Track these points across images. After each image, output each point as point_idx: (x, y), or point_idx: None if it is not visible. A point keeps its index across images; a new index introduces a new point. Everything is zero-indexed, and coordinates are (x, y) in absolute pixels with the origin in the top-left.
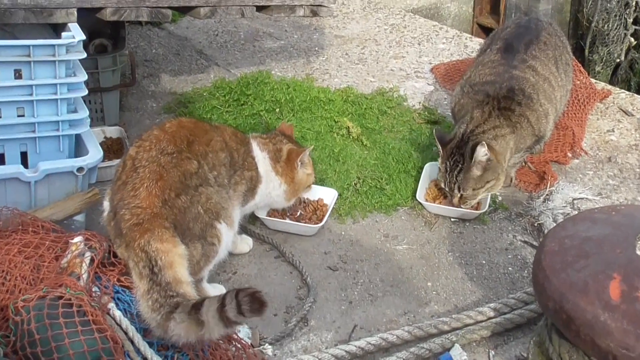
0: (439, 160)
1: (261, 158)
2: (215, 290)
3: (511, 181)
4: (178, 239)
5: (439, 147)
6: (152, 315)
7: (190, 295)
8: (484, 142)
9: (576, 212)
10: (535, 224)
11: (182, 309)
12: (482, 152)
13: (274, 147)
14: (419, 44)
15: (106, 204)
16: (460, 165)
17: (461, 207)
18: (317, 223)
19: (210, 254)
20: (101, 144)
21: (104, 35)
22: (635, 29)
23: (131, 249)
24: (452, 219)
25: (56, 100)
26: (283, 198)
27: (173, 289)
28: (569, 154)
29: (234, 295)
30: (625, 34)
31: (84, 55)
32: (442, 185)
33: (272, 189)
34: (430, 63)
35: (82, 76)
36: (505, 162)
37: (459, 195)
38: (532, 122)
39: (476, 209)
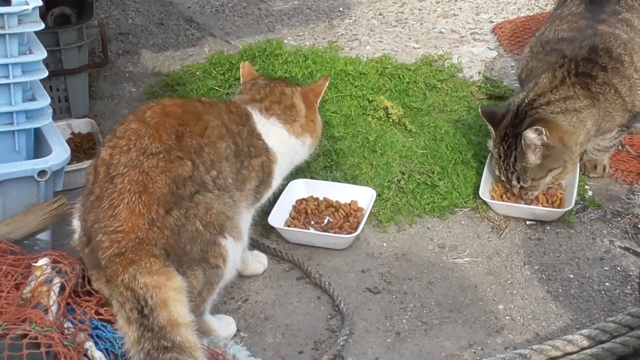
0: (491, 143)
1: (270, 127)
2: (222, 323)
3: (604, 170)
4: (172, 268)
5: (490, 127)
6: None
7: (190, 344)
8: (537, 126)
9: None
10: (639, 225)
11: None
12: (532, 137)
13: (281, 106)
14: None
15: (77, 224)
16: (514, 152)
17: (522, 200)
18: (351, 232)
19: (214, 279)
20: (68, 141)
21: (65, 3)
22: None
23: (114, 286)
24: (527, 222)
25: (8, 85)
26: (307, 154)
27: (168, 337)
28: None
29: None
30: None
31: (42, 26)
32: (497, 174)
33: (293, 155)
34: (492, 22)
35: (41, 54)
36: (578, 145)
37: (518, 186)
38: (622, 93)
39: (559, 206)
